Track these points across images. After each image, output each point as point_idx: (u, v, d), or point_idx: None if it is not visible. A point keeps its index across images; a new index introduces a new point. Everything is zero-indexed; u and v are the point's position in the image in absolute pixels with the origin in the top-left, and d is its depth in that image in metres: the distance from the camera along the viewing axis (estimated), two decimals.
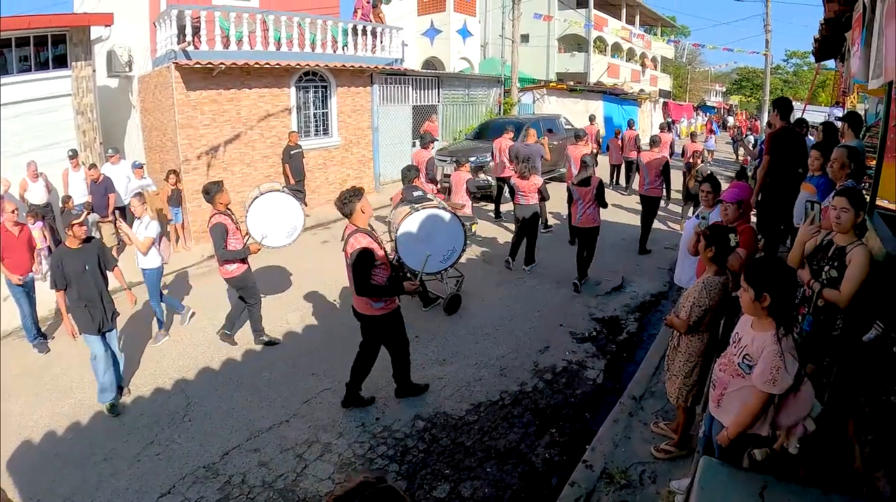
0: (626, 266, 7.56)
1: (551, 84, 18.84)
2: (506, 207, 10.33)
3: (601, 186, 6.49)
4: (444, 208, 5.84)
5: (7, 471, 3.86)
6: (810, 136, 7.28)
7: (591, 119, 15.31)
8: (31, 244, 5.95)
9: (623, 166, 13.21)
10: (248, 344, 5.62)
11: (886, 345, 2.58)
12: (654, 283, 6.99)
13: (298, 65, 10.54)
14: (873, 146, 5.12)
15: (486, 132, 12.62)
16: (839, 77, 11.23)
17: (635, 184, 11.48)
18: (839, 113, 11.37)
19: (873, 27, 3.70)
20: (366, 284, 3.89)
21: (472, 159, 9.84)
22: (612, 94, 20.54)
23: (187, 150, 9.35)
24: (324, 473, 3.68)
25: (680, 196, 10.84)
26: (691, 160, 9.78)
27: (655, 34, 35.42)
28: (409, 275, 5.15)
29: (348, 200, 3.92)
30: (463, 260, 6.44)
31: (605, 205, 6.57)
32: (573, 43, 27.57)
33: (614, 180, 13.37)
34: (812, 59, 13.59)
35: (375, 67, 12.05)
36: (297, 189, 6.39)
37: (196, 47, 9.47)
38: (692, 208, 9.02)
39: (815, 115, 16.25)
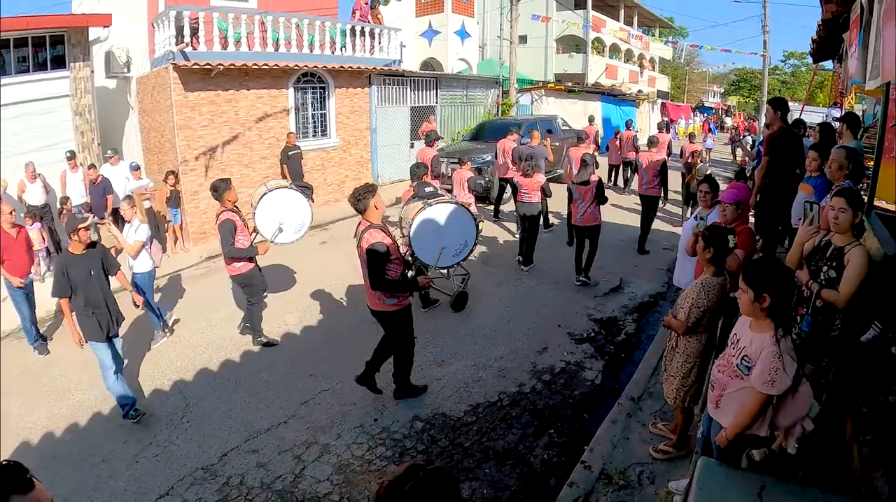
0: (625, 267, 7.56)
1: (549, 85, 18.85)
2: (505, 207, 10.35)
3: (601, 184, 6.59)
4: (456, 203, 5.92)
5: None
6: (808, 137, 7.29)
7: (591, 120, 15.33)
8: (28, 245, 5.94)
9: (621, 167, 13.25)
10: (246, 345, 5.61)
11: (884, 346, 2.58)
12: (652, 284, 7.00)
13: (297, 66, 10.54)
14: (871, 147, 5.14)
15: (482, 133, 12.63)
16: (837, 78, 11.26)
17: (634, 185, 11.51)
18: (837, 113, 11.40)
19: (871, 28, 3.71)
20: (381, 279, 3.94)
21: (484, 158, 9.89)
22: (611, 95, 20.55)
23: (185, 151, 9.34)
24: (322, 474, 3.67)
25: (679, 197, 10.88)
26: (690, 160, 9.79)
27: (653, 35, 35.49)
28: (422, 269, 5.20)
29: (362, 196, 3.98)
30: None
31: (604, 201, 6.66)
32: (571, 44, 27.60)
33: (613, 180, 13.40)
34: (810, 59, 13.63)
35: (374, 68, 12.05)
36: (305, 185, 6.39)
37: (194, 48, 9.46)
38: (690, 209, 9.04)
39: (813, 116, 16.31)
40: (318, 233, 9.83)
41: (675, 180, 10.73)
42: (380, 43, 12.48)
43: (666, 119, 20.10)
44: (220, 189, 5.25)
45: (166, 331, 5.86)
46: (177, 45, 9.24)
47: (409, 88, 13.29)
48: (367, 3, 12.62)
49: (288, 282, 7.33)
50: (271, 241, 5.59)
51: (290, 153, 10.15)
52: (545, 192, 7.43)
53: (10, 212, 5.70)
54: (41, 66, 9.22)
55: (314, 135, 11.52)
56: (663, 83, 37.34)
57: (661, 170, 8.25)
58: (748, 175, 8.97)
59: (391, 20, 15.91)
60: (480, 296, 6.58)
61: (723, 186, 4.53)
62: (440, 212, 5.71)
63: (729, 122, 34.18)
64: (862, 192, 3.78)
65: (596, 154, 10.28)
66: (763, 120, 14.00)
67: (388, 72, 12.49)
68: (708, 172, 7.93)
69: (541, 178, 7.33)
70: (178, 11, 9.27)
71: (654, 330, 5.69)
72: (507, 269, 7.49)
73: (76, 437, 4.26)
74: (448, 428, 4.14)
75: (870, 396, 2.49)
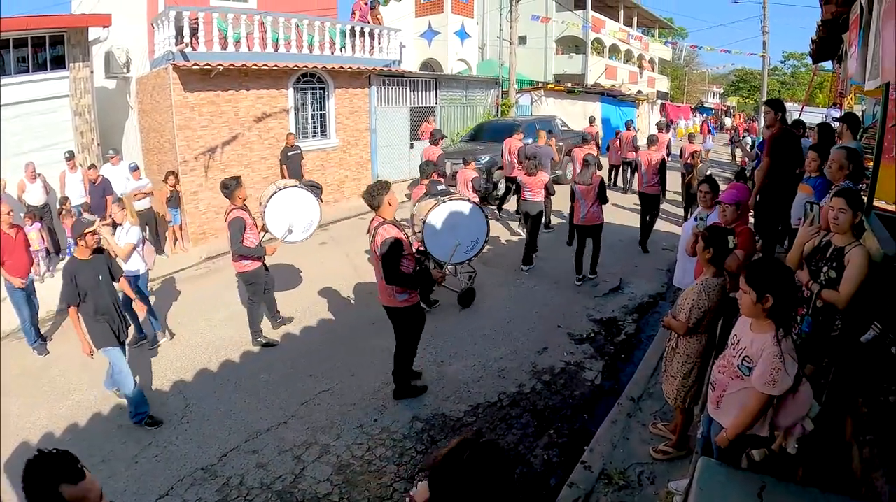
0: (624, 267, 7.57)
1: (549, 85, 18.84)
2: (506, 206, 10.35)
3: (602, 184, 6.66)
4: (468, 200, 5.99)
5: (5, 473, 3.84)
6: (807, 138, 7.31)
7: (591, 121, 15.31)
8: (27, 245, 5.93)
9: (621, 167, 13.25)
10: (246, 345, 5.61)
11: (884, 346, 2.58)
12: (651, 284, 7.00)
13: (296, 66, 10.54)
14: (871, 147, 5.14)
15: (481, 134, 12.62)
16: (836, 78, 11.26)
17: (634, 185, 11.52)
18: (836, 114, 11.40)
19: (870, 29, 3.71)
20: (396, 273, 4.00)
21: (485, 158, 9.94)
22: (610, 96, 20.53)
23: (185, 152, 9.34)
24: (322, 475, 3.67)
25: (678, 197, 10.88)
26: (690, 161, 9.79)
27: (653, 36, 35.48)
28: (435, 265, 5.23)
29: (377, 193, 4.07)
30: None
31: (605, 201, 6.74)
32: (571, 44, 27.60)
33: (613, 181, 13.40)
34: (809, 60, 13.64)
35: (373, 69, 12.06)
36: (315, 185, 6.47)
37: (194, 48, 9.46)
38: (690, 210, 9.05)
39: (813, 117, 16.31)
40: (318, 233, 9.72)
41: (674, 181, 10.74)
42: (379, 43, 12.49)
43: (664, 119, 20.12)
44: (230, 187, 5.30)
45: (166, 332, 5.86)
46: (176, 45, 9.24)
47: (408, 89, 13.30)
48: (366, 4, 12.64)
49: (288, 282, 7.32)
50: (281, 240, 5.64)
51: (289, 153, 10.15)
52: (549, 191, 7.51)
53: (8, 213, 5.68)
54: (41, 66, 9.21)
55: (314, 136, 11.52)
56: (663, 84, 37.35)
57: (661, 169, 8.30)
58: (748, 175, 8.97)
59: (391, 21, 15.90)
60: (481, 297, 6.57)
61: (722, 187, 4.54)
62: (453, 208, 5.78)
63: (728, 122, 34.19)
64: (861, 193, 3.78)
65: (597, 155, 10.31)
66: (762, 121, 14.02)
67: (388, 72, 12.49)
68: (708, 173, 7.94)
69: (544, 177, 7.42)
70: (178, 12, 9.27)
71: (654, 330, 5.69)
72: (508, 269, 7.49)
73: (76, 437, 4.26)
74: (448, 428, 4.14)
75: (870, 396, 2.49)
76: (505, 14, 17.83)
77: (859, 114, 7.77)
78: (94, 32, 9.48)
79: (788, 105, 16.77)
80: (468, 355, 5.24)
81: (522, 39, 23.23)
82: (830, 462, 2.59)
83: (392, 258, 3.97)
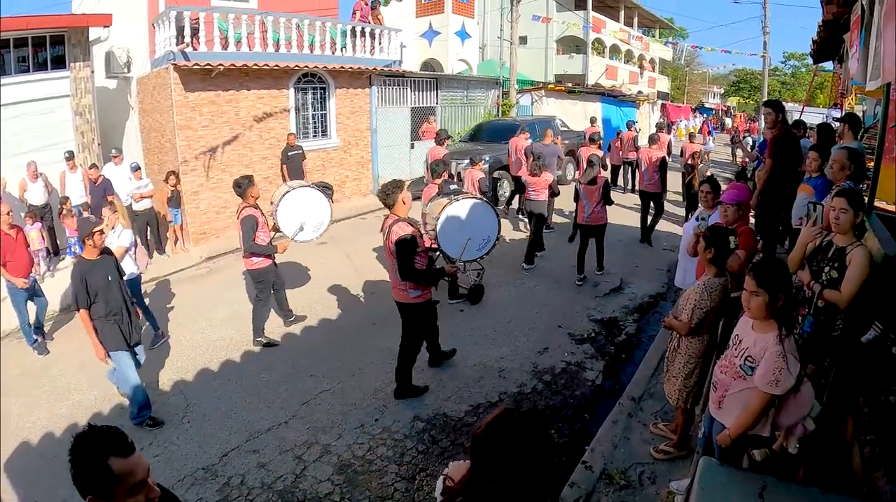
0: (625, 267, 7.57)
1: (550, 86, 18.82)
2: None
3: (607, 185, 6.73)
4: (480, 199, 6.05)
5: (5, 473, 3.84)
6: (807, 138, 7.30)
7: (592, 121, 15.29)
8: (27, 245, 5.93)
9: (622, 167, 13.27)
10: (246, 345, 5.61)
11: (885, 346, 2.58)
12: (652, 285, 7.00)
13: (297, 66, 10.54)
14: (871, 147, 5.15)
15: (480, 134, 12.62)
16: (837, 79, 11.27)
17: (635, 184, 11.54)
18: (837, 114, 11.41)
19: (871, 29, 3.71)
20: (410, 269, 4.11)
21: (486, 158, 9.97)
22: (611, 96, 20.52)
23: (186, 152, 9.34)
24: (323, 474, 3.67)
25: (678, 197, 10.88)
26: (690, 161, 9.80)
27: (654, 36, 35.46)
28: (446, 261, 5.38)
29: (391, 191, 4.18)
30: None
31: (610, 202, 6.79)
32: (571, 45, 27.59)
33: (614, 180, 13.39)
34: (810, 60, 13.64)
35: (374, 69, 12.05)
36: (326, 185, 6.58)
37: (195, 48, 9.46)
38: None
39: (814, 117, 16.32)
40: None
41: (674, 180, 10.73)
42: (380, 43, 12.49)
43: (665, 119, 20.12)
44: (243, 185, 5.35)
45: (165, 333, 5.86)
46: (177, 45, 9.24)
47: (409, 89, 13.29)
48: (367, 4, 12.63)
49: (289, 281, 7.29)
50: (292, 239, 5.69)
51: (290, 153, 10.16)
52: (553, 191, 7.56)
53: (8, 213, 5.68)
54: (41, 66, 9.21)
55: (314, 136, 11.52)
56: (663, 84, 37.34)
57: (661, 167, 8.33)
58: (749, 176, 8.98)
59: (391, 21, 15.91)
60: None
61: (723, 187, 4.54)
62: (465, 207, 5.83)
63: (729, 122, 34.19)
64: (863, 193, 3.78)
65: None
66: (762, 121, 14.02)
67: (389, 72, 12.49)
68: (708, 173, 7.96)
69: (548, 177, 7.46)
70: (179, 12, 9.26)
71: (655, 330, 5.69)
72: (509, 269, 7.49)
73: None
74: (449, 428, 4.14)
75: (871, 396, 2.49)
76: (505, 14, 17.82)
77: (860, 114, 7.78)
78: (94, 32, 9.48)
79: (789, 105, 16.81)
80: (468, 355, 5.24)
81: (523, 39, 23.23)
82: (831, 462, 2.59)
83: (407, 254, 4.07)
